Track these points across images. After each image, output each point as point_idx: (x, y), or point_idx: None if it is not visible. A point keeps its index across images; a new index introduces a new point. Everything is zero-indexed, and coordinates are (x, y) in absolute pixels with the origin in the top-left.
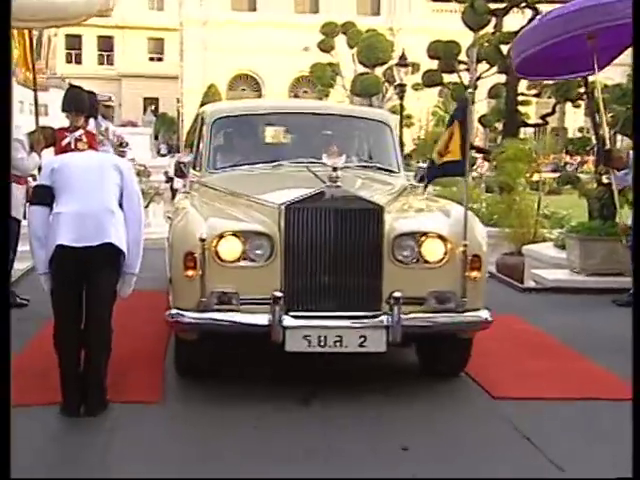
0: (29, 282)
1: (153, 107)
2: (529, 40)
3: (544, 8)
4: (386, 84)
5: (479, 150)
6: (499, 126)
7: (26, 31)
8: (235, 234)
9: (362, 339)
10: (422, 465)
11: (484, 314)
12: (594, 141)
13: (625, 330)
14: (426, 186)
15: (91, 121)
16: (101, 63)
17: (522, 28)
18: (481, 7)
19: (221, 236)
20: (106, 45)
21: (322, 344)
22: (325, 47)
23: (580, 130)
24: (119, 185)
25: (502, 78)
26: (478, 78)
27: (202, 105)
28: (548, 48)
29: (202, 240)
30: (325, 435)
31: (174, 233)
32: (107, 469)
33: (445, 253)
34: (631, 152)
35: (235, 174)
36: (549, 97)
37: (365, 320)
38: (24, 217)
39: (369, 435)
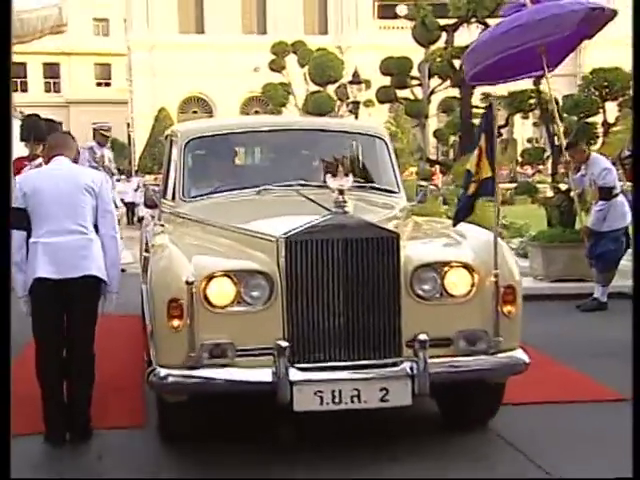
0: None
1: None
2: (483, 52)
3: (493, 22)
4: (338, 102)
5: (436, 163)
6: (451, 140)
7: None
8: (227, 274)
9: (383, 392)
10: None
11: (521, 355)
12: (549, 150)
13: (592, 335)
14: (455, 224)
15: (83, 151)
16: (48, 90)
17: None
18: (432, 23)
19: (210, 277)
20: (52, 72)
21: (337, 400)
22: (276, 67)
23: (529, 141)
24: (93, 206)
25: (455, 92)
26: (431, 92)
27: (154, 129)
28: (503, 59)
29: (189, 283)
30: None
31: (154, 276)
32: None
33: (472, 285)
34: (594, 154)
35: (215, 202)
36: (499, 109)
37: (386, 369)
38: None
39: None
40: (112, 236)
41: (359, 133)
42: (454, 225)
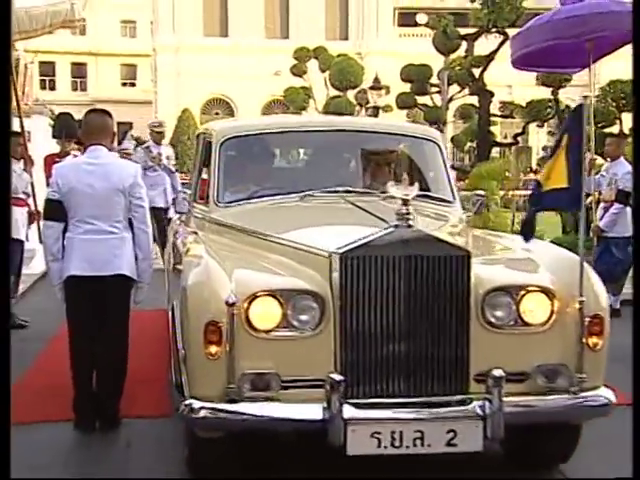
0: (27, 304)
1: (132, 132)
2: (534, 36)
3: (513, 32)
4: (357, 106)
5: (453, 168)
6: (467, 146)
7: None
8: (272, 294)
9: (451, 435)
10: None
11: (607, 394)
12: None
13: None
14: (527, 240)
15: (138, 151)
16: (75, 89)
17: (493, 52)
18: (453, 32)
19: (254, 297)
20: (79, 71)
21: (397, 444)
22: (297, 71)
23: (544, 149)
24: (126, 205)
25: (473, 99)
26: (450, 100)
27: (177, 129)
28: (550, 46)
29: (230, 304)
30: None
31: (188, 293)
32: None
33: (552, 312)
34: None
35: (254, 208)
36: (512, 117)
37: (454, 408)
38: (26, 238)
39: None
40: (144, 231)
41: (411, 136)
42: (526, 241)
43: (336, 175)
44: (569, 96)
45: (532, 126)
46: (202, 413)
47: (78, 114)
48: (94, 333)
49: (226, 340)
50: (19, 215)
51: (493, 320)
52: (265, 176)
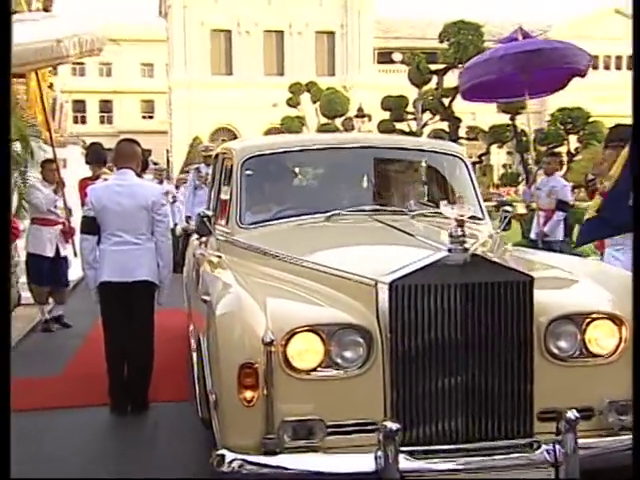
0: (66, 307)
1: (152, 158)
2: (477, 71)
3: None
4: (344, 132)
5: None
6: None
7: (45, 99)
8: (313, 329)
9: None
10: None
11: None
12: (523, 175)
13: None
14: (580, 244)
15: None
16: (102, 122)
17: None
18: (425, 68)
19: (292, 334)
20: (106, 107)
21: None
22: (292, 103)
23: (504, 166)
24: (149, 220)
25: (443, 125)
26: (424, 125)
27: (189, 154)
28: (493, 80)
29: (267, 343)
30: None
31: (217, 328)
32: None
33: (621, 341)
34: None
35: (279, 229)
36: (477, 140)
37: (522, 455)
38: (58, 254)
39: None
40: (163, 242)
41: (437, 152)
42: (578, 245)
43: (360, 193)
44: (523, 122)
45: (494, 147)
46: (238, 467)
47: (106, 143)
48: (124, 330)
49: (263, 384)
50: (46, 233)
51: (556, 351)
52: (288, 195)
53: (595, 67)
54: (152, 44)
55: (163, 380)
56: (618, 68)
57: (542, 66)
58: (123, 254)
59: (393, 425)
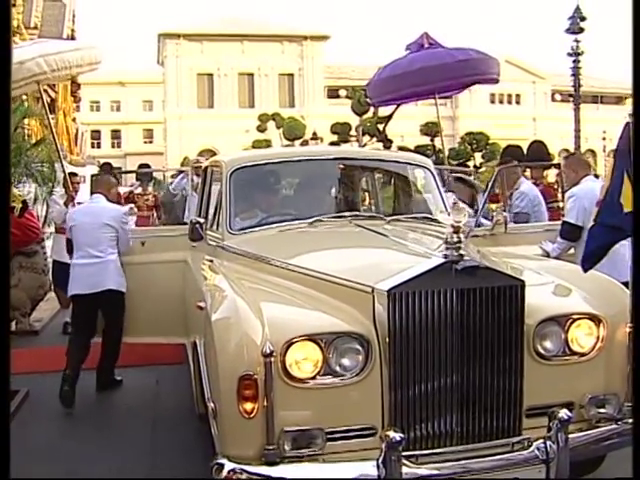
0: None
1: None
2: (385, 88)
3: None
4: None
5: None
6: None
7: (70, 130)
8: (311, 338)
9: None
10: None
11: None
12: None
13: None
14: (586, 270)
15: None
16: (113, 146)
17: (391, 114)
18: (364, 101)
19: (291, 343)
20: (116, 135)
21: None
22: (261, 129)
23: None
24: (115, 235)
25: (379, 145)
26: (364, 145)
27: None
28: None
29: (267, 355)
30: None
31: (215, 338)
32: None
33: (598, 339)
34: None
35: (266, 235)
36: None
37: (515, 454)
38: None
39: None
40: (125, 231)
41: (409, 163)
42: (585, 271)
43: (338, 200)
44: (439, 142)
45: None
46: (236, 477)
47: (115, 163)
48: (87, 335)
49: (263, 394)
50: (63, 241)
51: (542, 351)
52: (273, 203)
53: (493, 102)
54: (152, 85)
55: (161, 350)
56: (509, 103)
57: (456, 79)
58: (87, 268)
59: (397, 435)
